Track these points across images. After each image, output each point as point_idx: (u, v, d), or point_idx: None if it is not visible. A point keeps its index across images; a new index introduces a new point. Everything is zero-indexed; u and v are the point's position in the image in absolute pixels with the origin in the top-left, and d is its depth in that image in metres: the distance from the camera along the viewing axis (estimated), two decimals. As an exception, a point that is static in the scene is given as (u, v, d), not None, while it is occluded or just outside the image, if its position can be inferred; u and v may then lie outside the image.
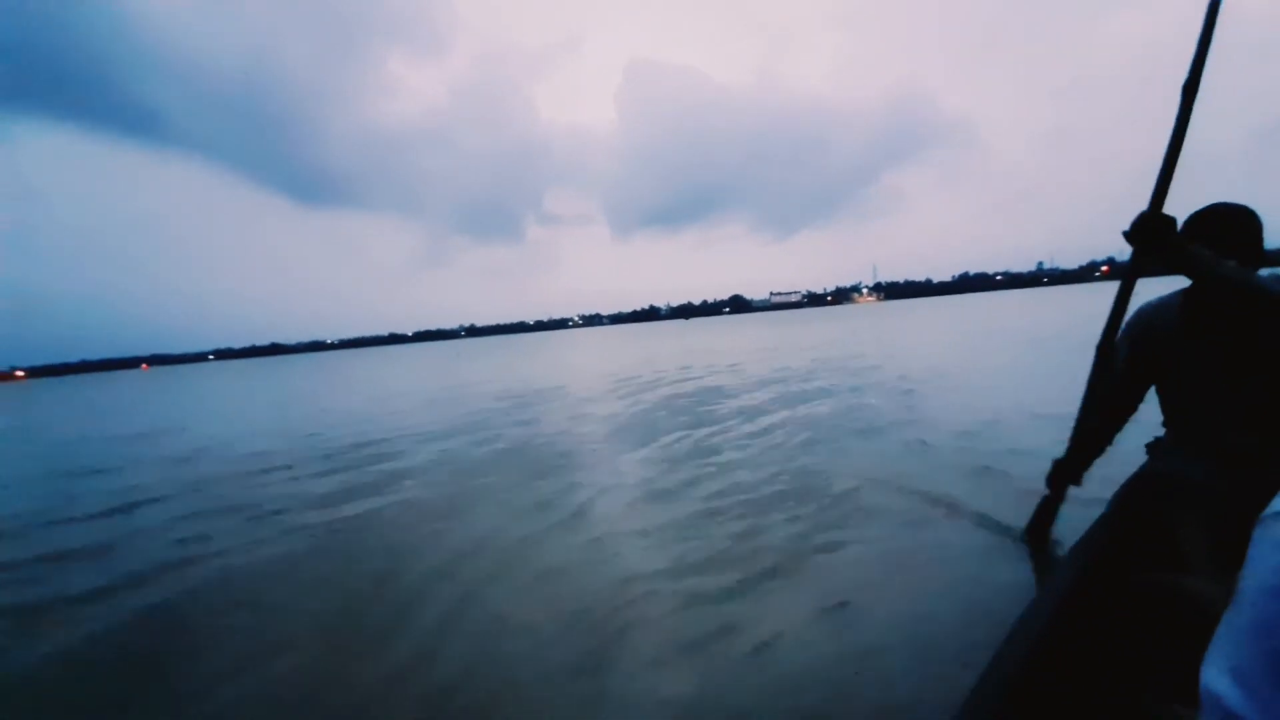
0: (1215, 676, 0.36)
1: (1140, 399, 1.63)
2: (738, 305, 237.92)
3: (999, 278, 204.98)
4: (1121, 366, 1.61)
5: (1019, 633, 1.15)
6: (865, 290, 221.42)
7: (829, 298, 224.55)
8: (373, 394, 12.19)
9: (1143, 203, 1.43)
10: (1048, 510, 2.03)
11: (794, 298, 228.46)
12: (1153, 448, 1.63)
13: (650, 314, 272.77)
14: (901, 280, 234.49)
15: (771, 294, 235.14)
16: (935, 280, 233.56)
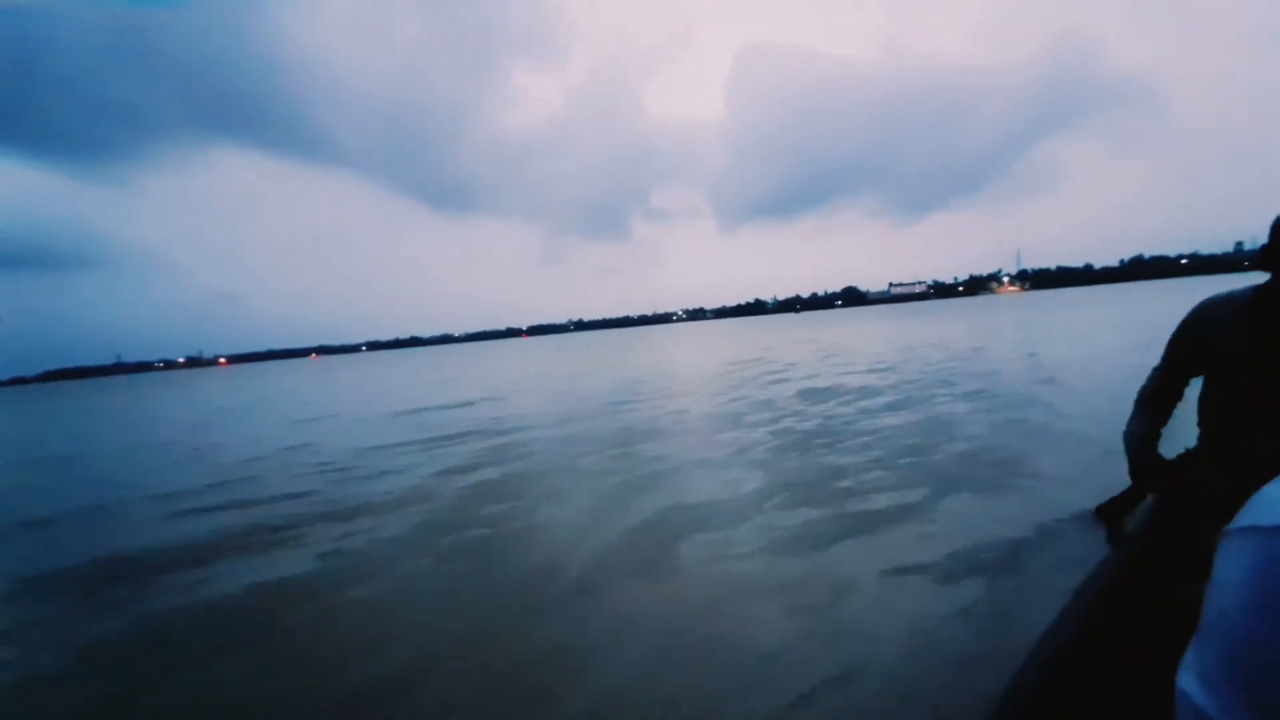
0: (1187, 680, 0.39)
1: (1183, 388, 1.63)
2: (851, 298, 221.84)
3: (1184, 261, 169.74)
4: (1174, 353, 1.60)
5: (1046, 643, 1.15)
6: (1006, 279, 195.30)
7: (960, 288, 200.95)
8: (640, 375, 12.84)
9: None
10: (1129, 501, 2.28)
11: (917, 289, 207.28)
12: (1184, 458, 1.67)
13: (756, 308, 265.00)
14: (1053, 267, 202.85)
15: (891, 285, 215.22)
16: (1098, 266, 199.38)
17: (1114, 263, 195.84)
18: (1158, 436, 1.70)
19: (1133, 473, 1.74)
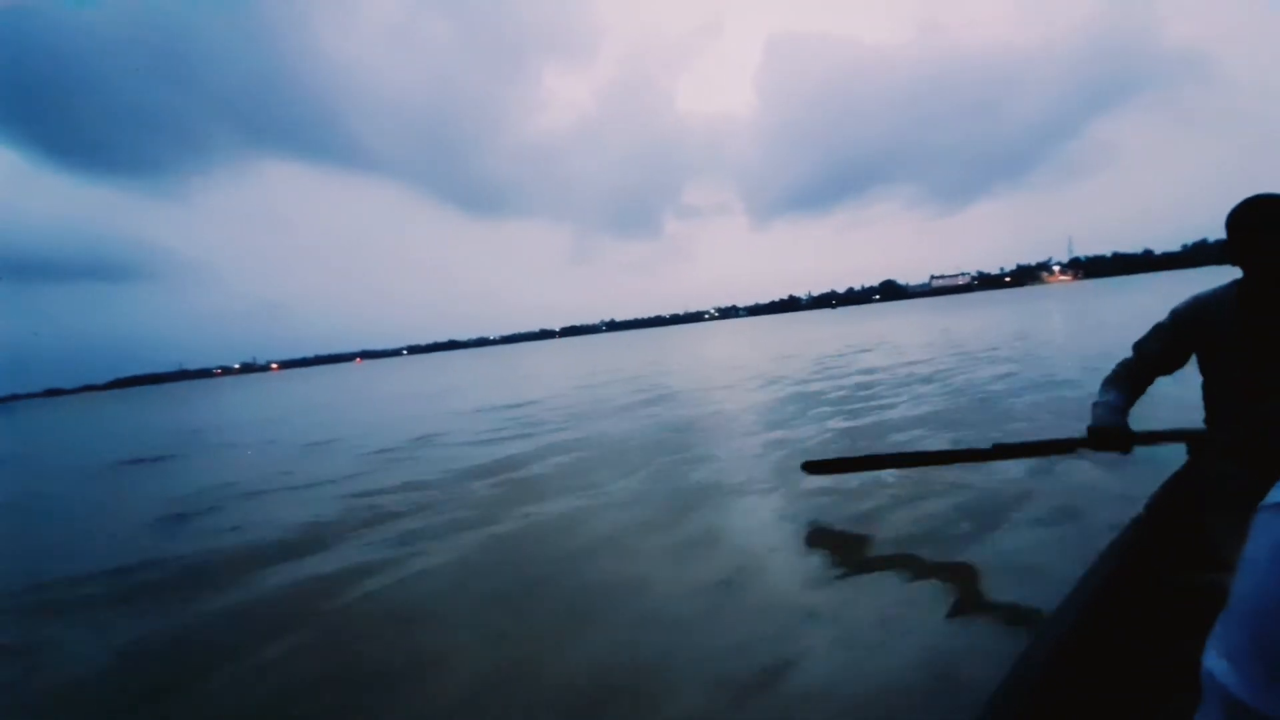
0: (1213, 659, 0.39)
1: (1169, 371, 1.65)
2: (890, 292, 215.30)
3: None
4: (1158, 348, 1.63)
5: (1048, 630, 1.14)
6: (1057, 268, 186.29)
7: (1007, 278, 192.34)
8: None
9: None
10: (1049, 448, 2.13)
11: (960, 280, 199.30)
12: (1192, 446, 1.67)
13: (790, 304, 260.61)
14: (1108, 253, 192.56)
15: (932, 277, 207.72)
16: (1158, 251, 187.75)
17: (1175, 248, 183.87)
18: (1128, 408, 1.66)
19: (1093, 431, 1.65)
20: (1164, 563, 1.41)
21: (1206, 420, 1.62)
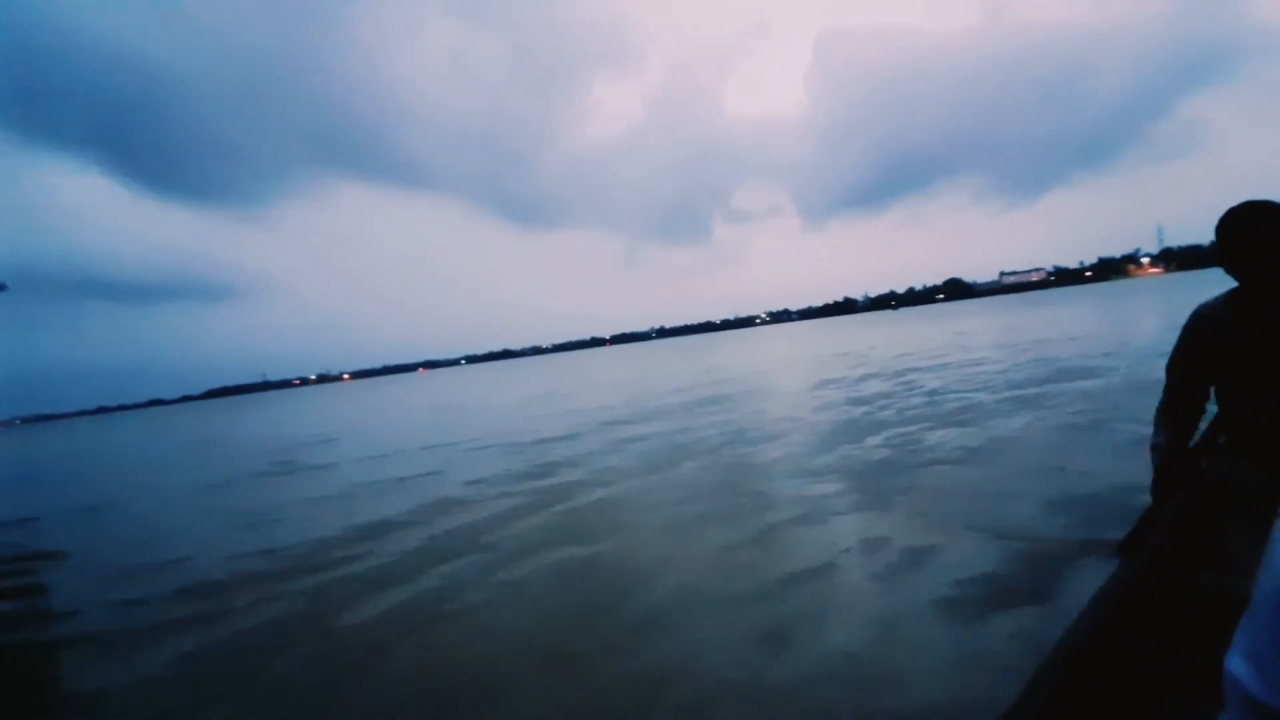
0: (1236, 663, 0.39)
1: (1204, 397, 1.62)
2: (955, 290, 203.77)
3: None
4: (1183, 366, 1.61)
5: (1071, 634, 1.14)
6: (1146, 259, 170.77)
7: (1088, 273, 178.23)
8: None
9: None
10: (1151, 521, 2.03)
11: (1034, 276, 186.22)
12: (1209, 452, 1.70)
13: (845, 306, 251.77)
14: (1205, 243, 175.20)
15: (1002, 274, 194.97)
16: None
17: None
18: (1185, 447, 1.67)
19: (1158, 483, 1.67)
20: (1184, 567, 1.41)
21: (1221, 426, 1.61)
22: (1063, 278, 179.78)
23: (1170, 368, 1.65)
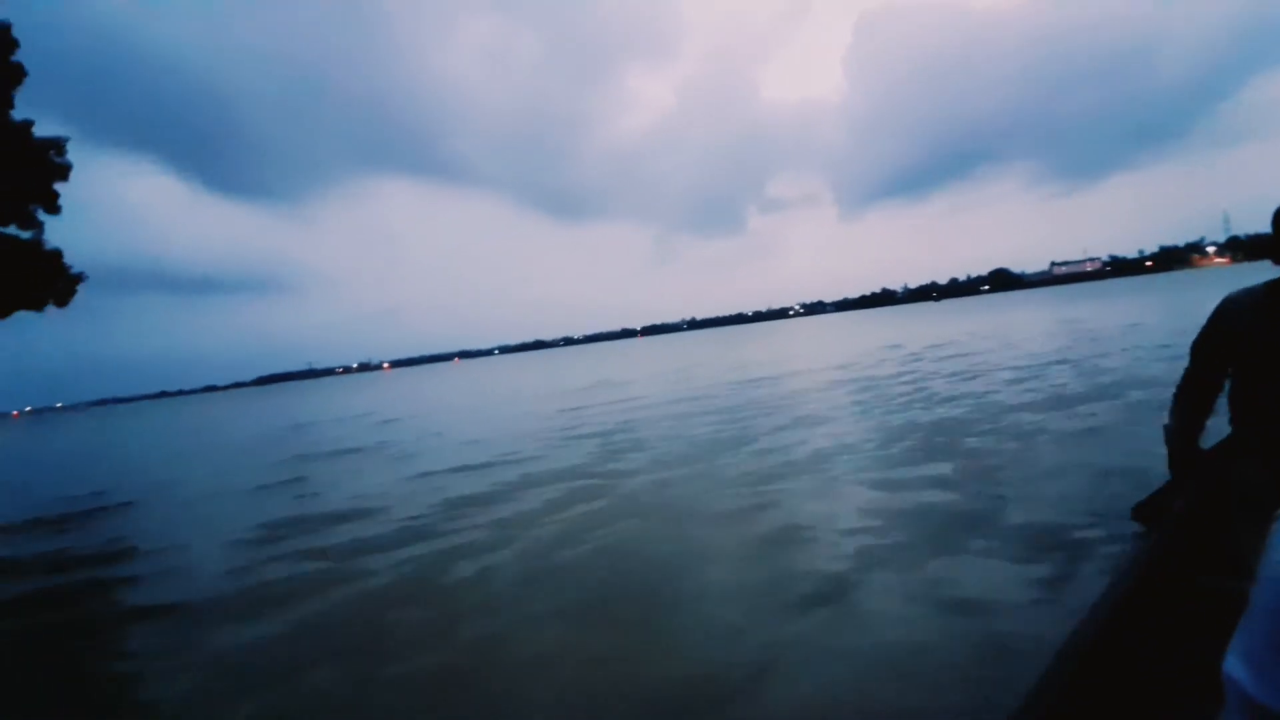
0: (1233, 663, 0.39)
1: (1222, 382, 1.61)
2: (1001, 281, 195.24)
3: None
4: (1205, 350, 1.61)
5: (1077, 635, 1.14)
6: (1211, 248, 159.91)
7: (1148, 262, 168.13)
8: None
9: None
10: (1167, 496, 2.15)
11: (1088, 266, 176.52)
12: (1220, 450, 1.68)
13: (883, 298, 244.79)
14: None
15: (1053, 264, 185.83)
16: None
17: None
18: (1199, 429, 1.67)
19: (1172, 466, 1.72)
20: (1189, 568, 1.41)
21: (1232, 422, 1.58)
22: (1120, 268, 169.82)
23: (1194, 350, 1.67)
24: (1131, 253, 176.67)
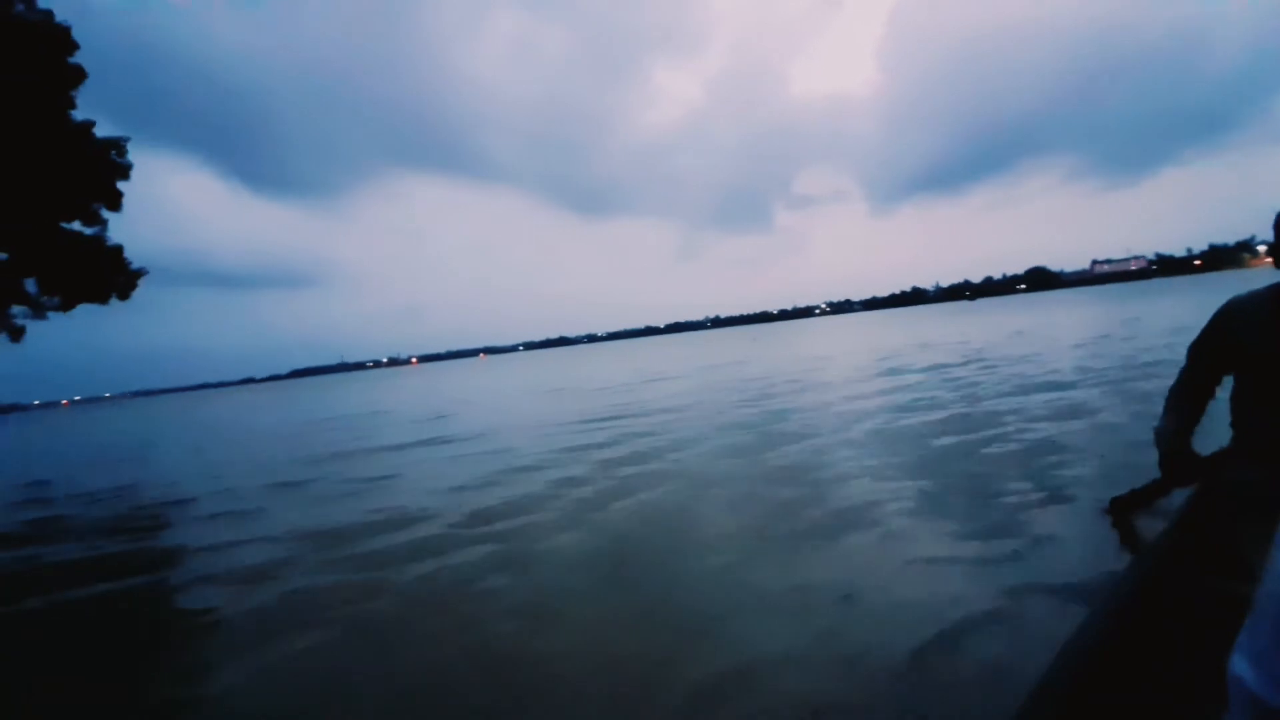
0: (1239, 663, 0.39)
1: (1217, 385, 1.63)
2: (1038, 280, 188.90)
3: None
4: (1204, 353, 1.61)
5: (1080, 636, 1.12)
6: (1263, 247, 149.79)
7: (1196, 261, 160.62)
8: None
9: None
10: (1148, 496, 2.33)
11: (1132, 265, 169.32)
12: (1219, 455, 1.66)
13: (913, 297, 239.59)
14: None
15: (1094, 262, 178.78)
16: None
17: None
18: (1190, 433, 1.68)
19: (1163, 468, 1.72)
20: (1193, 569, 1.42)
21: (1233, 425, 1.58)
22: (1166, 266, 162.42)
23: (1192, 352, 1.67)
24: (1179, 251, 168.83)
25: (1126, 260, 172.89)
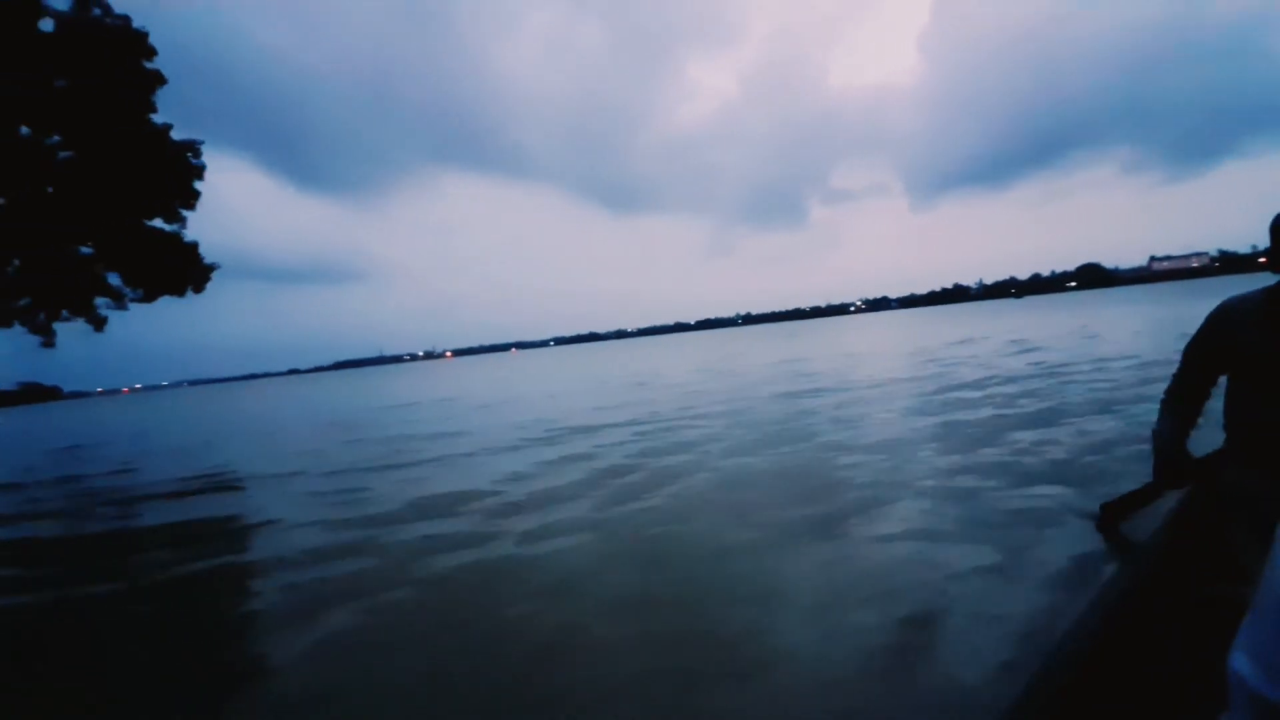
0: (1240, 660, 0.40)
1: (1211, 387, 1.63)
2: (1091, 277, 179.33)
3: None
4: (1198, 355, 1.61)
5: (1071, 637, 1.12)
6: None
7: (1261, 259, 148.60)
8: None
9: None
10: (1140, 500, 2.26)
11: (1193, 262, 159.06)
12: (1212, 459, 1.69)
13: (955, 294, 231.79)
14: None
15: (1152, 258, 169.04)
16: None
17: None
18: (1186, 436, 1.68)
19: (1159, 471, 1.72)
20: (1186, 570, 1.40)
21: (1226, 427, 1.57)
22: (1229, 264, 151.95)
23: (1186, 354, 1.66)
24: (1243, 247, 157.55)
25: (1187, 257, 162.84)
